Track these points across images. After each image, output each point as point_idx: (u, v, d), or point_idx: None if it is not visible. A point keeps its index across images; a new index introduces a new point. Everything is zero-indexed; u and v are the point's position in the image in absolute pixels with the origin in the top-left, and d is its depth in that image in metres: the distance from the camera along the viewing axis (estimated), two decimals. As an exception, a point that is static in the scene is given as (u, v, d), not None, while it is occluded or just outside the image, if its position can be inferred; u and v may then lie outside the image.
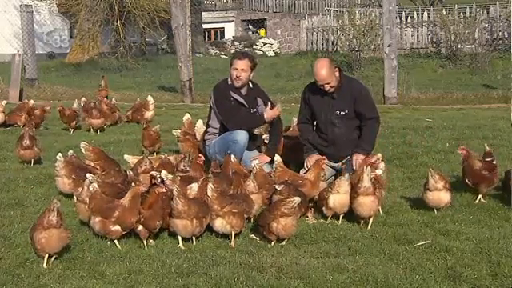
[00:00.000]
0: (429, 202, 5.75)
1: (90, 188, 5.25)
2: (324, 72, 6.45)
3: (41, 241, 4.50)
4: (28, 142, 7.57)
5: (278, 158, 6.17)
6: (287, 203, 4.92)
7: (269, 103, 6.97)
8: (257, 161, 6.18)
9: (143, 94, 14.54)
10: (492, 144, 7.49)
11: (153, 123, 9.46)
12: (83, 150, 6.64)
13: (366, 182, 5.32)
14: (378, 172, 5.81)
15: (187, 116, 8.14)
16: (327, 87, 6.51)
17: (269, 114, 6.89)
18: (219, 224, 5.03)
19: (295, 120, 7.37)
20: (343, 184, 5.45)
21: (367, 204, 5.33)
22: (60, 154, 6.20)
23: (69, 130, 10.17)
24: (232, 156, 6.22)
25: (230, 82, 6.97)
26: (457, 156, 7.76)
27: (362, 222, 5.43)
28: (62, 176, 6.11)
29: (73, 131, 10.16)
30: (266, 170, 6.75)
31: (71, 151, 6.48)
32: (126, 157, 6.80)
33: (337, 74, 6.55)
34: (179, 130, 7.85)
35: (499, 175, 6.23)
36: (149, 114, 10.59)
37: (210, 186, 5.06)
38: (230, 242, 5.00)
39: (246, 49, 30.06)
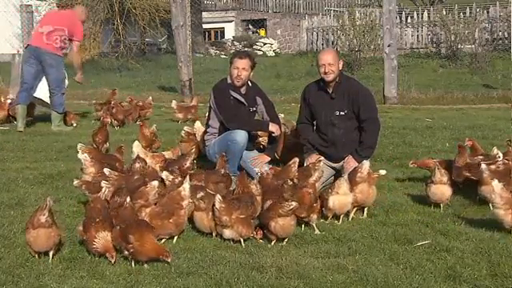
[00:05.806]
0: (432, 196, 5.86)
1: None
2: (330, 56, 6.59)
3: (29, 240, 4.52)
4: None
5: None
6: (284, 206, 4.91)
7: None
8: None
9: (143, 93, 14.54)
10: (492, 144, 7.48)
11: (152, 123, 9.44)
12: (80, 152, 6.61)
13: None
14: (382, 172, 5.96)
15: (198, 124, 7.94)
16: (328, 68, 6.51)
17: (275, 127, 6.90)
18: (229, 234, 4.98)
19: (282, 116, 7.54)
20: (342, 185, 5.47)
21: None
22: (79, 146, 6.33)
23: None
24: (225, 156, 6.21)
25: (229, 81, 6.96)
26: (457, 156, 7.78)
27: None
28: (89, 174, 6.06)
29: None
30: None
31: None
32: (135, 144, 6.84)
33: (340, 65, 6.62)
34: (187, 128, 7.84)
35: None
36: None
37: (218, 197, 4.97)
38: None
39: (246, 49, 30.05)
